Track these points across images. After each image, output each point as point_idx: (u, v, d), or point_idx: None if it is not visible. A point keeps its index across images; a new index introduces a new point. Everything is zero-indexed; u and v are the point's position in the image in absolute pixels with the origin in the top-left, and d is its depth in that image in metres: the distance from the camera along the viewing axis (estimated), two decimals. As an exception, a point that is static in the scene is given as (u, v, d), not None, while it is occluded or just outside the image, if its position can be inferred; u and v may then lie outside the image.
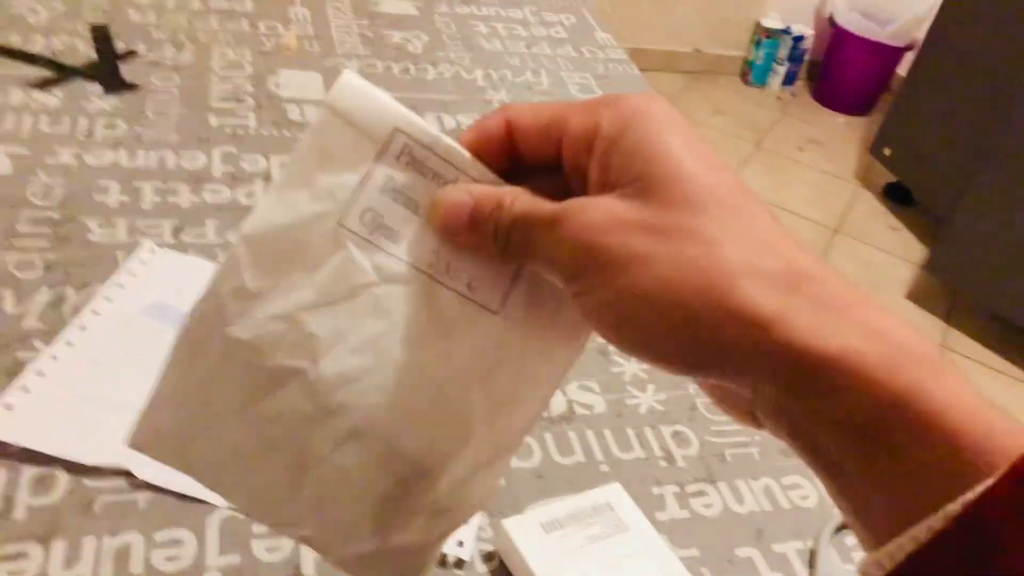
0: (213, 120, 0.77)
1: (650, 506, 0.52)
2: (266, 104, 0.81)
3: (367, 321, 0.29)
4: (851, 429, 0.22)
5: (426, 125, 0.29)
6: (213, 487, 0.30)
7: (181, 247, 0.62)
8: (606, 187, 0.26)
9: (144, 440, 0.30)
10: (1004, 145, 1.88)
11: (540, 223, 0.26)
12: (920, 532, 0.21)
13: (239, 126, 0.77)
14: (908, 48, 2.85)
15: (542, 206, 0.27)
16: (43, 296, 0.56)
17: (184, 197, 0.67)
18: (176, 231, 0.64)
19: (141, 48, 0.85)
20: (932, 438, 0.21)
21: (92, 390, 0.51)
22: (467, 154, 0.29)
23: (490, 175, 0.29)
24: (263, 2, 0.99)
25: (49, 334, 0.53)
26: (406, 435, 0.29)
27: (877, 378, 0.22)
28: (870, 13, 2.87)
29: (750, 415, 0.25)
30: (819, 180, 2.60)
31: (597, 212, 0.25)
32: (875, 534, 0.22)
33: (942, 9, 2.27)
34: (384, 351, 0.29)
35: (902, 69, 2.81)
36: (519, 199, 0.27)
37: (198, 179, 0.69)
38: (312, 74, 0.87)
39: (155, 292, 0.58)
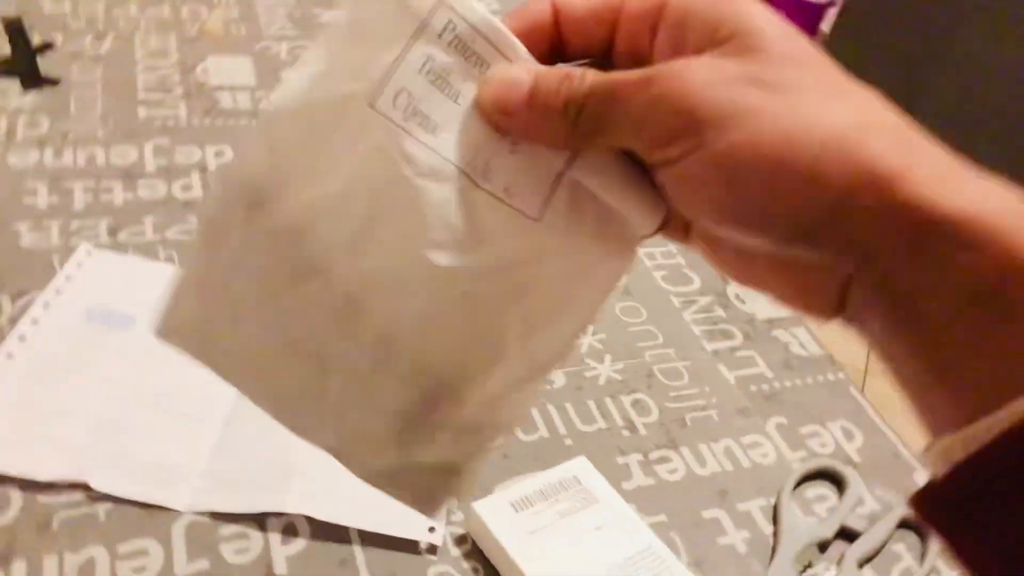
0: (141, 112, 0.74)
1: (616, 476, 0.52)
2: (195, 93, 0.78)
3: (398, 218, 0.26)
4: (969, 294, 0.20)
5: (475, 2, 0.26)
6: (236, 384, 0.29)
7: (119, 247, 0.60)
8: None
9: (169, 327, 0.28)
10: (930, 98, 1.93)
11: (626, 87, 0.24)
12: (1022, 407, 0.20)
13: (169, 117, 0.74)
14: (830, 4, 2.89)
15: (623, 73, 0.24)
16: (-23, 307, 0.54)
17: (118, 195, 0.65)
18: (112, 231, 0.61)
19: (58, 39, 0.81)
20: None
21: (39, 402, 0.49)
22: (516, 40, 0.26)
23: (538, 64, 0.27)
24: (183, -15, 0.95)
25: (-13, 347, 0.51)
26: (434, 348, 0.28)
27: (1004, 240, 0.20)
28: (792, -31, 2.90)
29: (831, 305, 0.24)
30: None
31: (699, 69, 0.23)
32: (960, 414, 0.21)
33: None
34: (414, 255, 0.26)
35: (825, 26, 2.85)
36: (589, 72, 0.25)
37: (130, 175, 0.67)
38: (241, 59, 0.84)
39: (95, 295, 0.56)
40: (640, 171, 0.27)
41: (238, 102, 0.78)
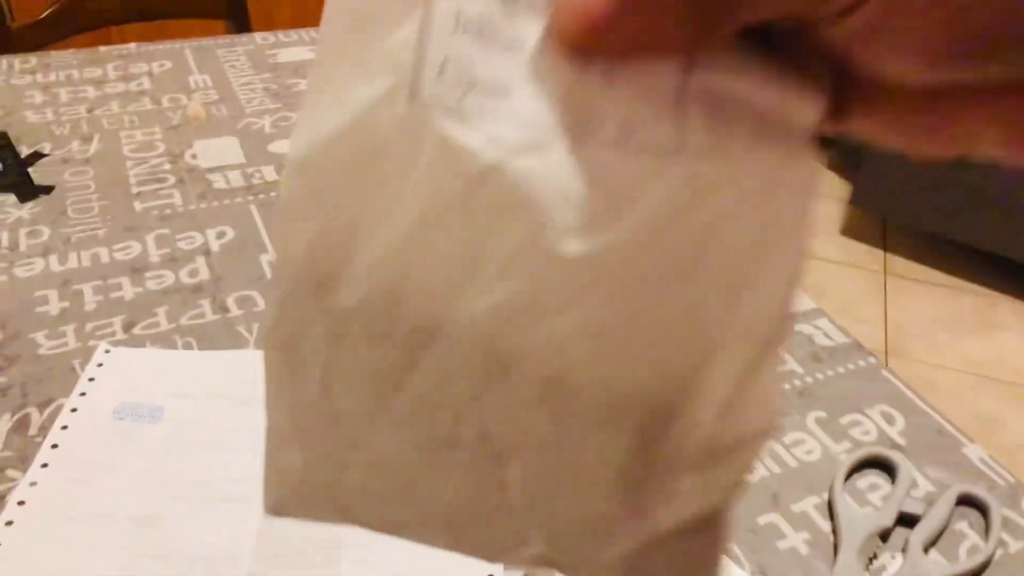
0: (138, 206, 0.75)
1: (665, 495, 0.52)
2: (188, 178, 0.79)
3: (505, 224, 0.20)
4: None
5: None
6: (390, 528, 0.23)
7: (136, 341, 0.60)
8: None
9: (281, 499, 0.23)
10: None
11: None
12: None
13: (166, 206, 0.75)
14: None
15: None
16: (5, 422, 0.53)
17: (127, 290, 0.65)
18: (127, 327, 0.62)
19: (47, 147, 0.82)
20: None
21: (80, 509, 0.49)
22: None
23: None
24: (160, 77, 0.97)
25: (22, 460, 0.51)
26: (623, 368, 0.20)
27: None
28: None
29: None
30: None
31: None
32: None
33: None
34: (543, 257, 0.20)
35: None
36: None
37: (137, 269, 0.67)
38: (228, 139, 0.85)
39: (120, 393, 0.56)
40: (768, 47, 0.21)
41: (231, 181, 0.79)
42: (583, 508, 0.22)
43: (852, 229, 2.25)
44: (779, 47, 0.20)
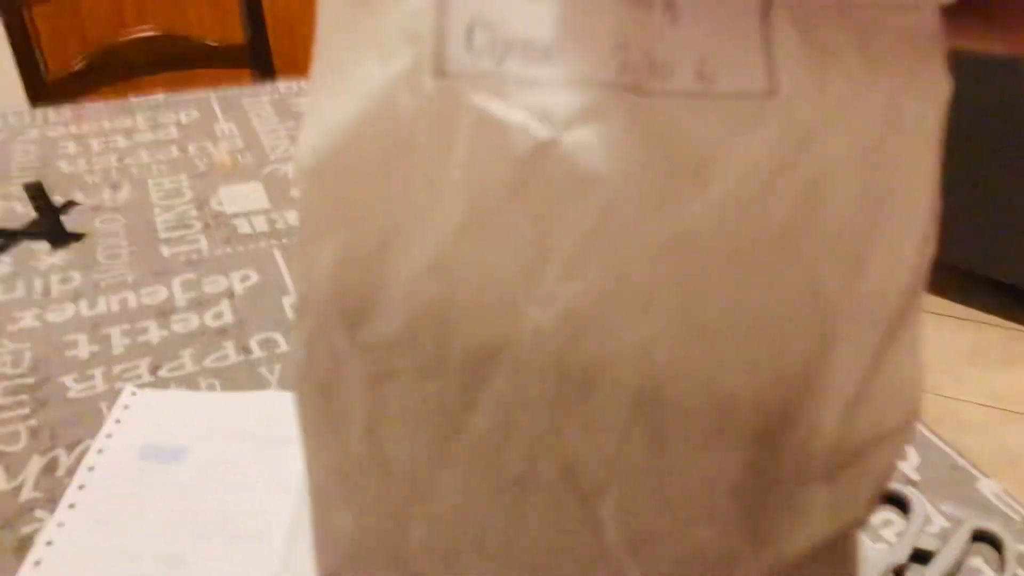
0: (165, 251, 0.77)
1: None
2: (214, 224, 0.81)
3: (568, 212, 0.16)
4: None
5: None
6: None
7: (162, 383, 0.62)
8: None
9: (334, 566, 0.20)
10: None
11: None
12: None
13: (192, 251, 0.77)
14: None
15: None
16: (35, 464, 0.55)
17: (154, 333, 0.67)
18: (153, 369, 0.63)
19: (79, 196, 0.85)
20: None
21: (106, 549, 0.50)
22: None
23: None
24: (187, 126, 1.00)
25: (49, 501, 0.53)
26: (729, 367, 0.17)
27: None
28: None
29: None
30: None
31: None
32: None
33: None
34: (615, 248, 0.16)
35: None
36: None
37: (163, 312, 0.69)
38: (253, 184, 0.88)
39: (145, 434, 0.58)
40: None
41: (255, 226, 0.81)
42: (694, 542, 0.18)
43: (874, 264, 2.24)
44: None
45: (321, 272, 0.18)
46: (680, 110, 0.16)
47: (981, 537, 0.52)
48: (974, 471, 0.57)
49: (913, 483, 0.56)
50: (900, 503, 0.54)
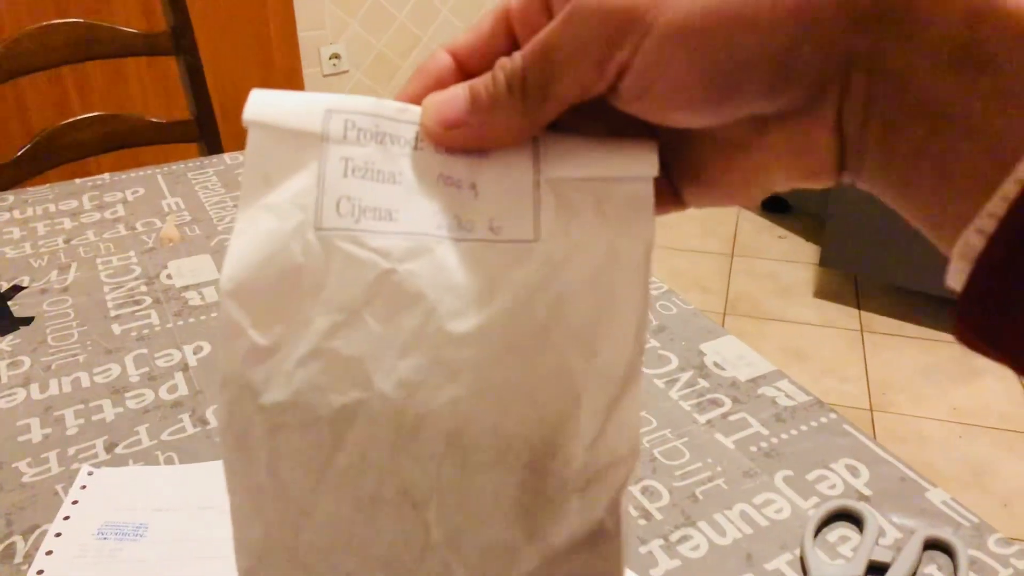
0: (116, 328, 0.77)
1: (643, 567, 0.53)
2: (164, 298, 0.81)
3: (401, 316, 0.25)
4: (947, 55, 0.20)
5: (360, 97, 0.27)
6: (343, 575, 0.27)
7: (119, 461, 0.62)
8: None
9: (250, 567, 0.27)
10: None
11: (553, 30, 0.24)
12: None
13: (143, 327, 0.77)
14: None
15: (545, 28, 0.25)
16: (-10, 553, 0.54)
17: (108, 411, 0.67)
18: (109, 447, 0.63)
19: (25, 280, 0.85)
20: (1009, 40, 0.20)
21: (66, 632, 0.50)
22: (412, 105, 0.27)
23: None
24: (133, 203, 1.00)
25: (7, 589, 0.52)
26: (507, 418, 0.25)
27: None
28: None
29: (833, 156, 0.24)
30: (701, 214, 2.72)
31: None
32: (970, 205, 0.21)
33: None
34: (435, 337, 0.25)
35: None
36: (516, 52, 0.25)
37: (117, 390, 0.69)
38: (202, 257, 0.88)
39: (103, 513, 0.57)
40: (606, 129, 0.27)
41: (205, 297, 0.81)
42: (489, 536, 0.26)
43: (825, 291, 2.29)
44: (614, 124, 0.27)
45: (235, 361, 0.26)
46: (477, 251, 0.26)
47: (934, 545, 0.53)
48: (922, 481, 0.59)
49: (865, 498, 0.58)
50: (855, 519, 0.56)
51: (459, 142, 0.26)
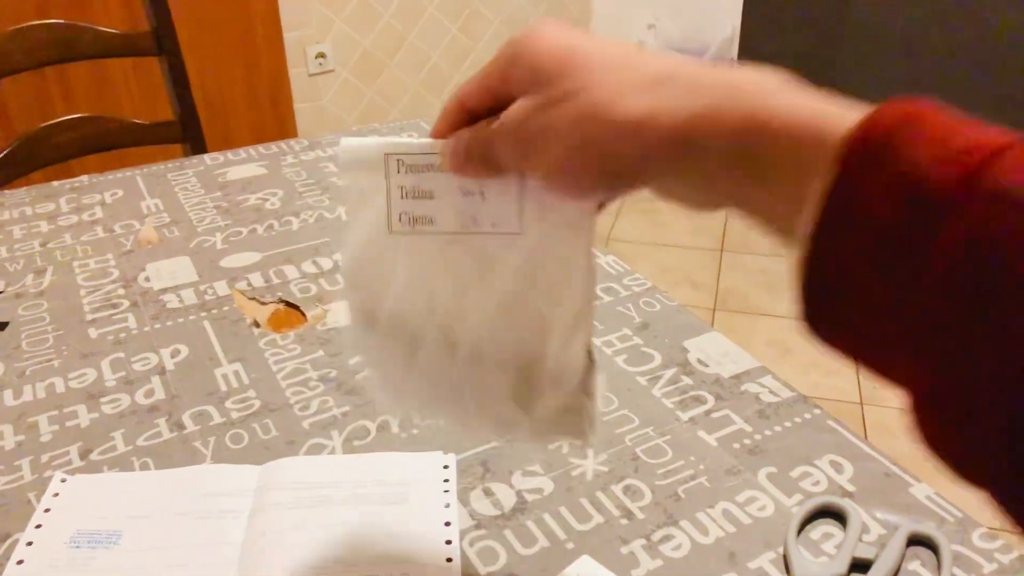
0: (92, 333, 0.76)
1: (624, 567, 0.52)
2: (142, 301, 0.80)
3: (445, 281, 0.43)
4: (728, 174, 0.32)
5: (406, 140, 0.41)
6: (427, 416, 0.59)
7: (93, 468, 0.61)
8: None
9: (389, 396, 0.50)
10: (836, 71, 2.04)
11: (495, 130, 0.38)
12: (809, 216, 0.29)
13: (120, 330, 0.76)
14: None
15: (488, 126, 0.39)
16: (-40, 564, 0.53)
17: (83, 417, 0.66)
18: (84, 453, 0.62)
19: (0, 285, 0.83)
20: (780, 145, 0.30)
21: (37, 643, 0.49)
22: (430, 141, 0.41)
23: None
24: (112, 205, 0.99)
25: (-24, 601, 0.51)
26: (507, 340, 0.43)
27: (721, 125, 0.32)
28: (683, 48, 3.07)
29: (711, 200, 0.37)
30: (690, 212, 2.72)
31: (510, 110, 0.37)
32: (789, 236, 0.32)
33: (744, 25, 2.47)
34: (464, 295, 0.43)
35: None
36: (466, 132, 0.40)
37: (92, 395, 0.68)
38: (180, 259, 0.87)
39: (76, 521, 0.56)
40: None
41: (184, 300, 0.80)
42: (497, 408, 0.45)
43: (815, 284, 2.28)
44: None
45: (354, 304, 0.47)
46: (483, 240, 0.42)
47: (917, 541, 0.53)
48: (906, 476, 0.58)
49: (849, 494, 0.57)
50: (838, 515, 0.55)
51: (462, 171, 0.41)
